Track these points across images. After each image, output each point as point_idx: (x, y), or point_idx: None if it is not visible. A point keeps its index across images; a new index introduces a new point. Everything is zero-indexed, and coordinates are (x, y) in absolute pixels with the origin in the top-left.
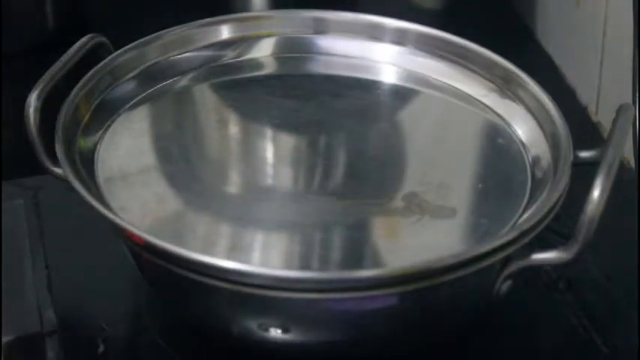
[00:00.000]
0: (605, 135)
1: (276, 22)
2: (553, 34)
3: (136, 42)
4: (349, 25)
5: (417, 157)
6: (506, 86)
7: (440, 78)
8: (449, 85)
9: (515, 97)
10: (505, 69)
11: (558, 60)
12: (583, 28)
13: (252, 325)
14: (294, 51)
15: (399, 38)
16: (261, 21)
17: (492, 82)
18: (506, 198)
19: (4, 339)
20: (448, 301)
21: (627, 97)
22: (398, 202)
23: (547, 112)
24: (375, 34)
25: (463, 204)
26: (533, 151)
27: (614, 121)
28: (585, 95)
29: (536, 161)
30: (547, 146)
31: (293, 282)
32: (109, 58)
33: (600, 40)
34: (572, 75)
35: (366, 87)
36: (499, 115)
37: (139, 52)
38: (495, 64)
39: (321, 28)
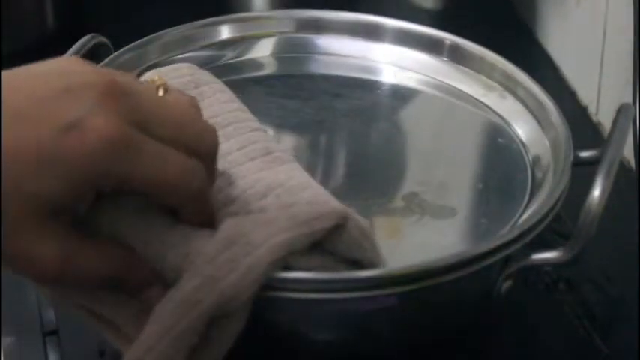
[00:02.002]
0: (605, 135)
1: (276, 22)
2: (553, 34)
3: (136, 42)
4: (349, 25)
5: (417, 157)
6: (506, 86)
7: (440, 78)
8: (449, 85)
9: (516, 97)
10: (505, 69)
11: (558, 60)
12: (583, 28)
13: (252, 324)
14: (294, 51)
15: (399, 38)
16: (261, 21)
17: (492, 82)
18: (506, 198)
19: (4, 339)
20: (448, 301)
21: (627, 97)
22: (398, 202)
23: (547, 112)
24: (374, 34)
25: (463, 204)
26: (533, 151)
27: (614, 121)
28: (585, 95)
29: (536, 161)
30: (547, 146)
31: (293, 282)
32: (109, 58)
33: (600, 40)
34: (572, 75)
35: (366, 87)
36: (499, 115)
37: (139, 52)
38: (495, 64)
39: (321, 28)
